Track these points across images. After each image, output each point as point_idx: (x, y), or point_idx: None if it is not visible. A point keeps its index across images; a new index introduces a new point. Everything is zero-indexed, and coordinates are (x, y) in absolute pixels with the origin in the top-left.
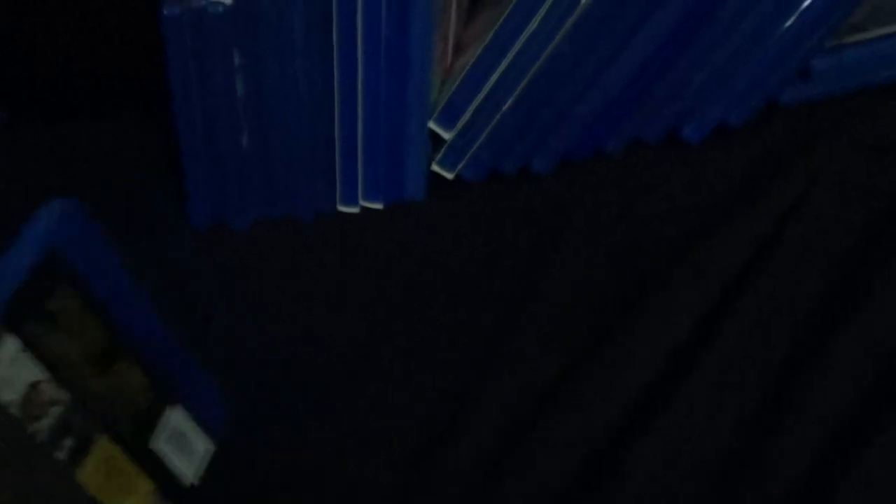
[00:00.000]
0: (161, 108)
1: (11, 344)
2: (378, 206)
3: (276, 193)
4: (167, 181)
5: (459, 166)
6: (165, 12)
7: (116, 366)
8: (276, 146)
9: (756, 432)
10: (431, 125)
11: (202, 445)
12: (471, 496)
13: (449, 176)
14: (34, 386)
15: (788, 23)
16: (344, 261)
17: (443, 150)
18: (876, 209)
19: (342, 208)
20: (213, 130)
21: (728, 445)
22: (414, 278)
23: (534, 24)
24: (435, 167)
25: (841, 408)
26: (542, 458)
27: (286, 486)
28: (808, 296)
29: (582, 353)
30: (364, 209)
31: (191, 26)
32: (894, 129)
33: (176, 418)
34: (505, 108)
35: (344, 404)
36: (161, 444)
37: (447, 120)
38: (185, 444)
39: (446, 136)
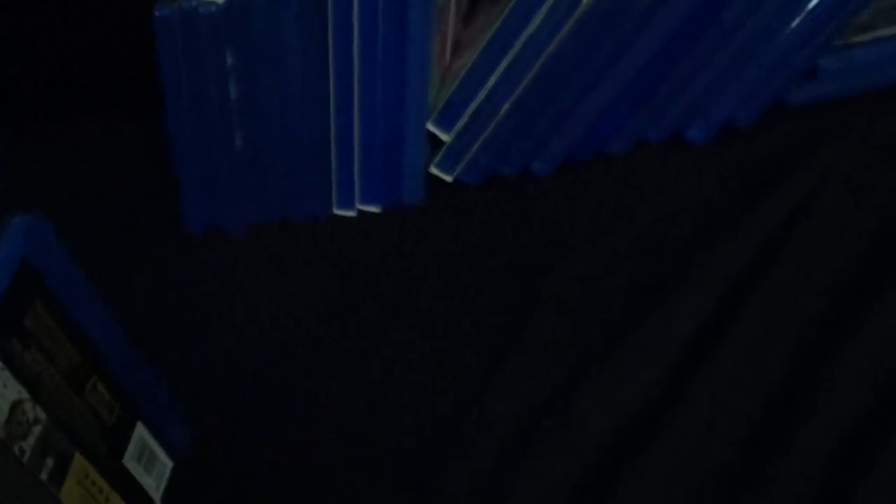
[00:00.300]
0: (153, 110)
1: None
2: (375, 209)
3: (271, 197)
4: (159, 185)
5: (458, 169)
6: (157, 13)
7: (88, 383)
8: (271, 148)
9: (766, 438)
10: (429, 127)
11: (165, 462)
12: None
13: (448, 179)
14: (16, 405)
15: (796, 21)
16: (340, 265)
17: (441, 153)
18: (885, 209)
19: (338, 212)
20: (205, 133)
21: (737, 452)
22: (411, 283)
23: (535, 23)
24: (433, 170)
25: (853, 412)
26: (546, 464)
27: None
28: (818, 297)
29: (586, 358)
30: (361, 212)
31: (182, 27)
32: None
33: (143, 435)
34: (505, 109)
35: (339, 411)
36: (132, 462)
37: (446, 121)
38: (152, 461)
39: (445, 137)
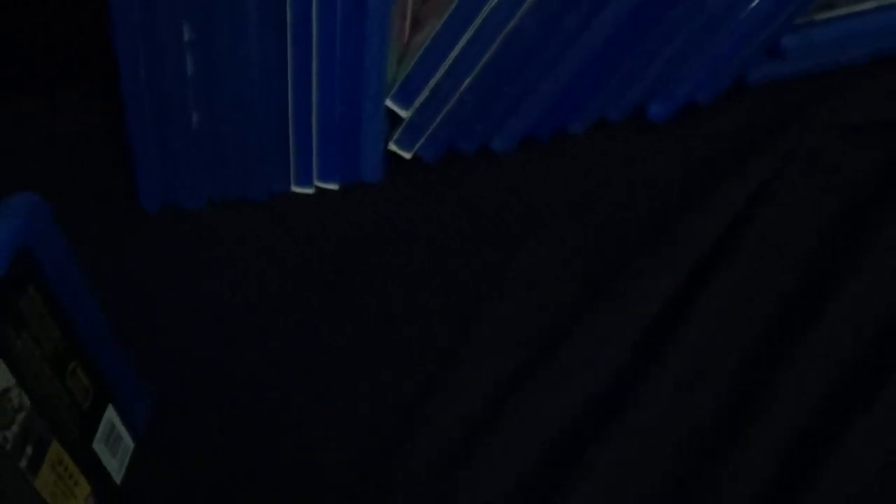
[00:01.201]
0: (107, 84)
1: None
2: (333, 186)
3: (228, 174)
4: (114, 162)
5: (417, 146)
6: None
7: (69, 367)
8: (228, 125)
9: (727, 424)
10: (388, 103)
11: (128, 444)
12: (432, 490)
13: (406, 155)
14: (4, 393)
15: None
16: (298, 243)
17: (400, 129)
18: (848, 188)
19: (296, 189)
20: (161, 109)
21: (702, 433)
22: (370, 261)
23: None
24: (392, 146)
25: (817, 395)
26: (509, 443)
27: (218, 484)
28: (783, 278)
29: (547, 339)
30: (319, 190)
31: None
32: (866, 107)
33: (112, 418)
34: (464, 85)
35: (294, 393)
36: (100, 445)
37: (404, 98)
38: (117, 444)
39: (404, 114)
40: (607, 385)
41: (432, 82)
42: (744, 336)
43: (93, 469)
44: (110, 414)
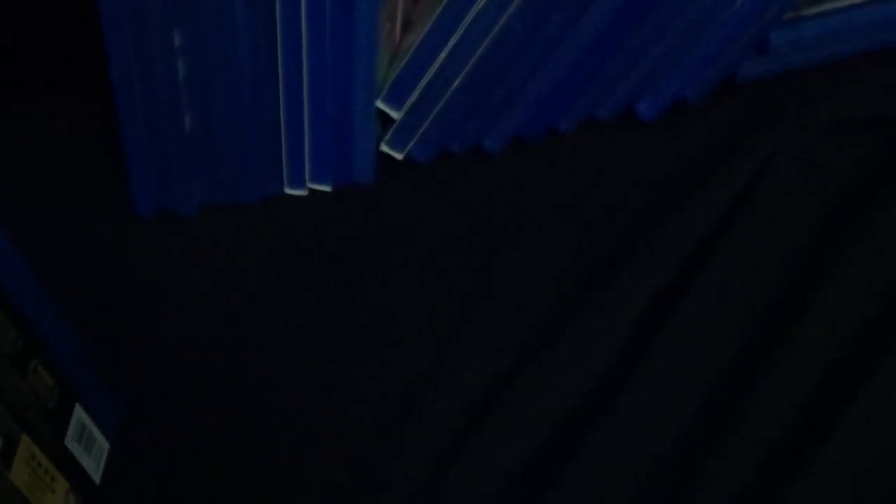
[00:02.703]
0: (99, 90)
1: None
2: (326, 188)
3: (222, 177)
4: (108, 167)
5: (409, 146)
6: None
7: (30, 365)
8: (220, 128)
9: (716, 420)
10: (379, 104)
11: (103, 444)
12: (428, 487)
13: (398, 156)
14: None
15: None
16: (292, 245)
17: (391, 130)
18: (836, 186)
19: (289, 191)
20: (154, 113)
21: (687, 432)
22: (363, 261)
23: (483, 0)
24: (384, 147)
25: (803, 392)
26: (498, 441)
27: (215, 484)
28: (768, 276)
29: (538, 338)
30: (312, 192)
31: (129, 5)
32: (853, 103)
33: (82, 417)
34: (454, 86)
35: (289, 393)
36: (73, 443)
37: (395, 99)
38: (91, 443)
39: (395, 115)
40: (597, 381)
41: (423, 83)
42: (731, 333)
43: (68, 467)
44: (79, 413)
